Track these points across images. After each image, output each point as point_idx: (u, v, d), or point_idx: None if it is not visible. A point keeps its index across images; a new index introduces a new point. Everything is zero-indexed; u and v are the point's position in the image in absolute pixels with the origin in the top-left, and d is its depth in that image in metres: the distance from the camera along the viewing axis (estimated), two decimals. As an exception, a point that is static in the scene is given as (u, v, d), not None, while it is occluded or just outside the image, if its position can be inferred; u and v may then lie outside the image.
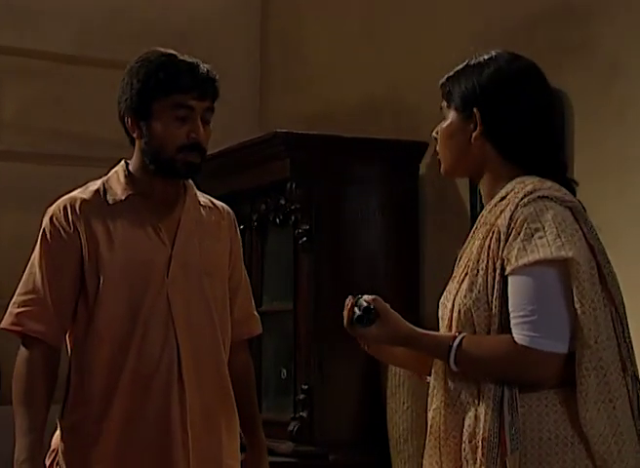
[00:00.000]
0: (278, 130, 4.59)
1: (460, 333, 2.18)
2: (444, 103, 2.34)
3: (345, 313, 2.27)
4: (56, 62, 5.61)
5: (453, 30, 4.67)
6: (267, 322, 3.47)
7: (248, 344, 2.98)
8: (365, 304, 2.24)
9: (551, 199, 2.16)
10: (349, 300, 2.28)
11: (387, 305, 2.27)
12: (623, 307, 2.20)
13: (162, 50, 2.74)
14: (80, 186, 2.80)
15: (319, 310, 4.50)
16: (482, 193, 2.34)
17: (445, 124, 2.32)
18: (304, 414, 4.46)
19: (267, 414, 4.59)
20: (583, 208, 2.25)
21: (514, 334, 2.12)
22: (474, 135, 2.26)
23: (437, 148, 2.35)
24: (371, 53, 5.20)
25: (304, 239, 4.51)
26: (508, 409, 2.11)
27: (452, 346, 2.17)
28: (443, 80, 2.35)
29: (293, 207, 4.55)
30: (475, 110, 2.26)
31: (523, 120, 2.25)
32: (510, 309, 2.13)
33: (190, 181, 2.82)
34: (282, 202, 4.66)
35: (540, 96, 2.29)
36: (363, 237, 4.64)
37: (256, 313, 2.96)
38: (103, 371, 2.65)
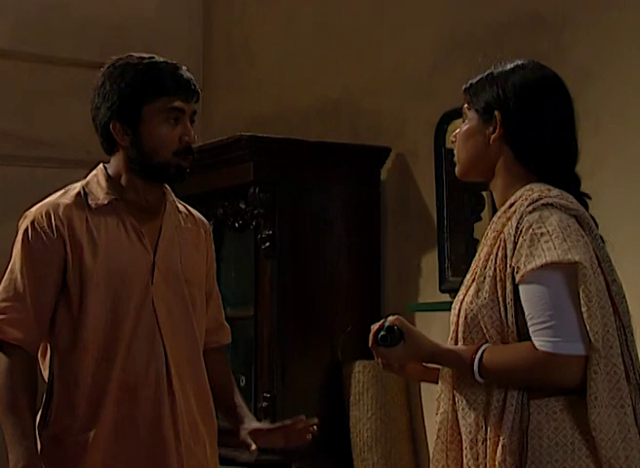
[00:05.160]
0: (242, 133, 4.51)
1: (481, 346, 2.21)
2: (465, 106, 2.38)
3: (371, 335, 2.30)
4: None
5: (415, 36, 4.62)
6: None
7: (224, 350, 2.98)
8: (388, 325, 2.27)
9: (556, 206, 2.21)
10: (375, 324, 2.31)
11: (410, 324, 2.29)
12: (629, 317, 2.24)
13: (138, 54, 2.72)
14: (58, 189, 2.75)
15: (282, 316, 4.48)
16: (494, 197, 2.37)
17: (465, 126, 2.36)
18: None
19: (224, 422, 4.52)
20: (595, 222, 2.30)
21: (535, 342, 2.14)
22: (493, 136, 2.31)
23: (455, 150, 2.38)
24: (324, 54, 5.11)
25: (267, 244, 4.47)
26: (528, 416, 2.14)
27: (474, 359, 2.19)
28: (467, 85, 2.39)
29: (255, 211, 4.49)
30: (496, 113, 2.30)
31: (543, 127, 2.29)
32: (527, 317, 2.16)
33: (168, 187, 2.80)
34: (242, 206, 4.59)
35: (561, 105, 2.33)
36: (325, 242, 4.62)
37: (226, 323, 2.95)
38: (89, 381, 2.62)
